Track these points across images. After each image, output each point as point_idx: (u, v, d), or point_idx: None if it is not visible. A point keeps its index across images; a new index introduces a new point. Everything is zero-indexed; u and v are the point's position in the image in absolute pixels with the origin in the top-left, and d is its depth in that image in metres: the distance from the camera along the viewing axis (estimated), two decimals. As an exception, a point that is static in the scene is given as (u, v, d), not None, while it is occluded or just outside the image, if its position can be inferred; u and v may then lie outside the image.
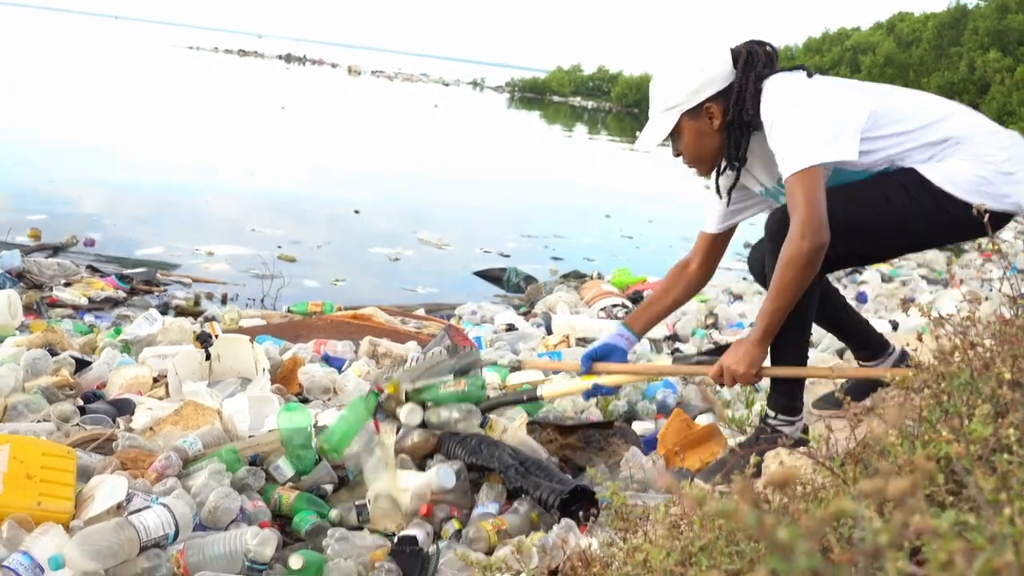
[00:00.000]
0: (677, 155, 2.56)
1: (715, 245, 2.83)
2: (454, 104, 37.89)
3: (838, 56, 54.53)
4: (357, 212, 9.06)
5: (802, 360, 2.54)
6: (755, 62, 2.45)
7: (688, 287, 2.84)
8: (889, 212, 2.37)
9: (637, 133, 2.64)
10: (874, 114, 2.34)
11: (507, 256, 7.92)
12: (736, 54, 2.47)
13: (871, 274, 8.09)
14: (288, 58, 67.03)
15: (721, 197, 2.68)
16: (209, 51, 64.90)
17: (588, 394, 2.80)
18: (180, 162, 11.52)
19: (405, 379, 2.83)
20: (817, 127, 2.32)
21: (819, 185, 2.30)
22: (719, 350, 2.65)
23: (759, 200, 2.70)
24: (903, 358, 2.73)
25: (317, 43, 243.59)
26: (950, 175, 2.36)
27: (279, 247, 7.22)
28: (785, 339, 2.45)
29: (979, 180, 2.38)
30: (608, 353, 2.77)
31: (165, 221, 7.93)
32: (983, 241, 9.45)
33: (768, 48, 2.49)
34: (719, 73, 2.45)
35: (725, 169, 2.59)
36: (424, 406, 2.79)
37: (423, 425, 2.76)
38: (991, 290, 7.58)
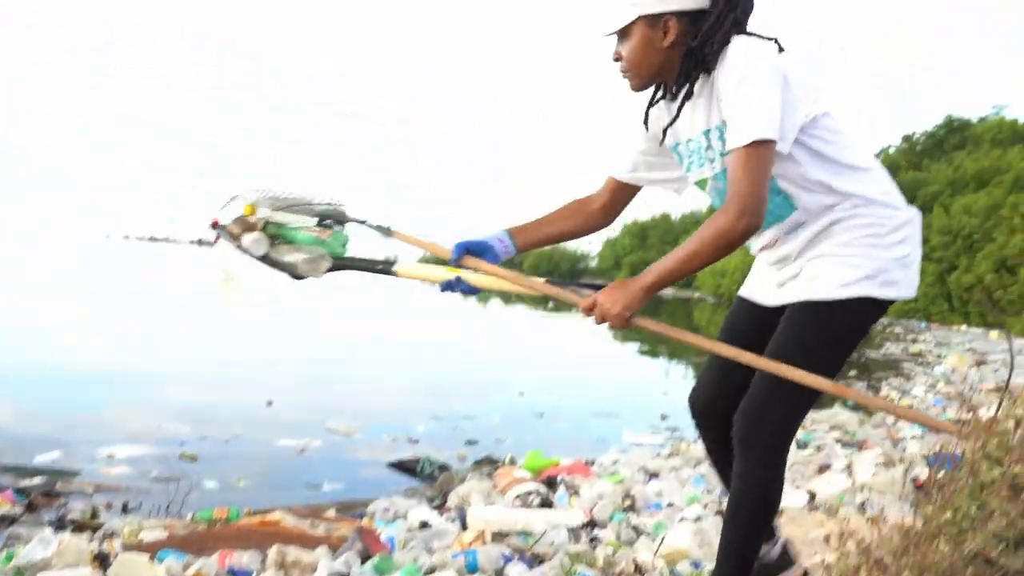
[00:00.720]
0: (616, 59, 2.42)
1: (620, 195, 2.75)
2: (363, 286, 37.97)
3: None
4: (270, 404, 8.91)
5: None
6: (736, 5, 2.33)
7: (586, 224, 2.75)
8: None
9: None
10: (829, 118, 2.34)
11: (416, 442, 7.82)
12: None
13: (787, 443, 8.11)
14: (200, 242, 66.92)
15: (647, 129, 2.56)
16: (119, 239, 64.58)
17: (447, 285, 2.55)
18: (83, 356, 11.31)
19: (265, 204, 2.61)
20: (784, 103, 2.24)
21: (770, 164, 2.23)
22: (597, 286, 2.44)
23: (671, 172, 2.63)
24: (783, 555, 2.67)
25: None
26: (847, 270, 2.36)
27: (182, 444, 7.04)
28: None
29: (876, 270, 2.36)
30: (483, 251, 2.59)
31: (65, 421, 7.70)
32: (895, 398, 9.55)
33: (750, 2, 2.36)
34: None
35: (662, 97, 2.48)
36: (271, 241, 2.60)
37: (263, 259, 2.60)
38: (904, 451, 7.67)
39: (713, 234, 2.23)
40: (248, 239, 2.56)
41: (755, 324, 2.60)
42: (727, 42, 2.29)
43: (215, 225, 2.60)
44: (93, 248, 50.42)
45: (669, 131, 2.50)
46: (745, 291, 2.69)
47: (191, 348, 13.14)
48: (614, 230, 62.25)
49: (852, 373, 14.59)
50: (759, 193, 2.22)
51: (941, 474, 2.38)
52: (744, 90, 2.23)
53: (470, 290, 2.57)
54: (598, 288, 2.41)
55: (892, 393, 12.02)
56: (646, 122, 2.54)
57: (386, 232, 2.73)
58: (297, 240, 2.60)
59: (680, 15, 2.32)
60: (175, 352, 12.39)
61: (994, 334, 27.50)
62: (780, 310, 2.49)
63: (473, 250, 2.57)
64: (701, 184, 2.52)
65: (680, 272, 2.31)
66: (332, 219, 2.67)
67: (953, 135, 48.70)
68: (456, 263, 2.55)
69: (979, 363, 16.46)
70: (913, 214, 2.47)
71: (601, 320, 2.35)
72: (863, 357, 17.84)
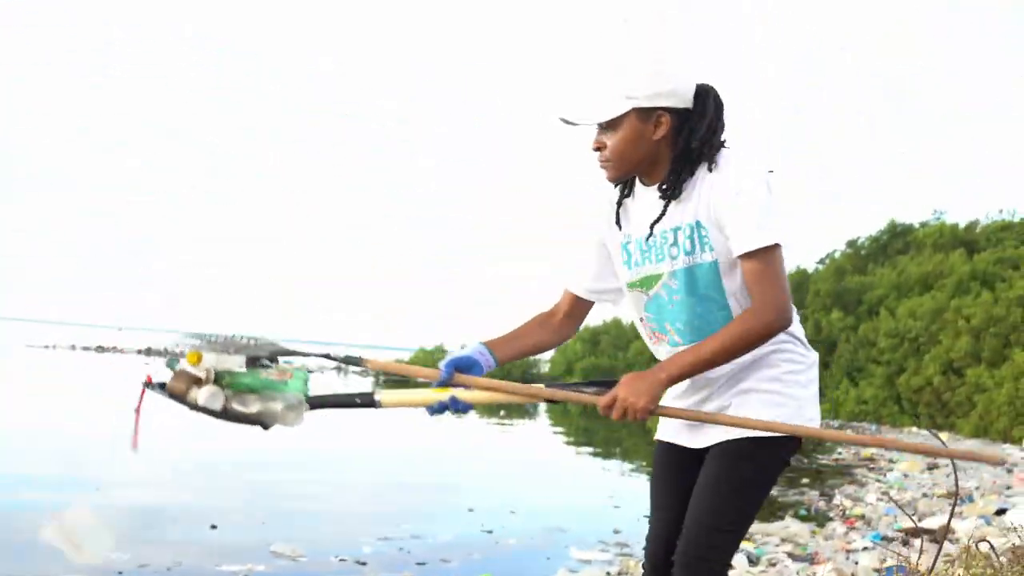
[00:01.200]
0: (597, 148, 2.43)
1: (579, 309, 2.79)
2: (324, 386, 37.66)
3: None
4: (214, 527, 8.67)
5: None
6: (721, 112, 2.42)
7: (553, 336, 2.76)
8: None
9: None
10: None
11: (364, 564, 7.61)
12: (703, 90, 2.41)
13: (738, 558, 8.03)
14: (149, 352, 65.91)
15: (620, 228, 2.59)
16: (65, 348, 63.54)
17: (438, 407, 2.47)
18: (11, 478, 10.99)
19: (209, 350, 2.35)
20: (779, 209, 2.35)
21: (784, 266, 2.38)
22: (607, 383, 2.42)
23: (615, 280, 2.67)
24: None
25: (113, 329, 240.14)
26: (774, 408, 2.44)
27: (120, 573, 6.80)
28: None
29: (798, 408, 2.48)
30: (470, 366, 2.52)
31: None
32: (847, 506, 9.53)
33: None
34: (685, 91, 2.38)
35: (628, 195, 2.55)
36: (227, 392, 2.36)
37: (223, 414, 2.36)
38: (856, 563, 7.62)
39: (744, 332, 2.31)
40: (202, 394, 2.34)
41: (686, 466, 2.64)
42: (722, 146, 2.39)
43: (151, 384, 2.40)
44: (35, 354, 49.63)
45: (623, 226, 2.58)
46: (666, 436, 2.72)
47: (132, 460, 12.79)
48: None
49: (805, 481, 14.55)
50: (788, 295, 2.38)
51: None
52: (756, 195, 2.32)
53: (465, 408, 2.51)
54: (603, 384, 2.41)
55: (845, 502, 11.98)
56: (618, 222, 2.58)
57: (356, 362, 2.64)
58: (259, 386, 2.39)
59: (672, 111, 2.38)
60: (116, 465, 12.03)
61: (943, 436, 27.70)
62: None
63: (461, 367, 2.52)
64: (645, 283, 2.55)
65: (704, 366, 2.37)
66: (288, 356, 2.53)
67: (896, 239, 49.59)
68: (447, 383, 2.48)
69: (931, 467, 16.53)
70: (815, 356, 2.63)
71: (623, 415, 2.35)
72: (814, 464, 17.83)
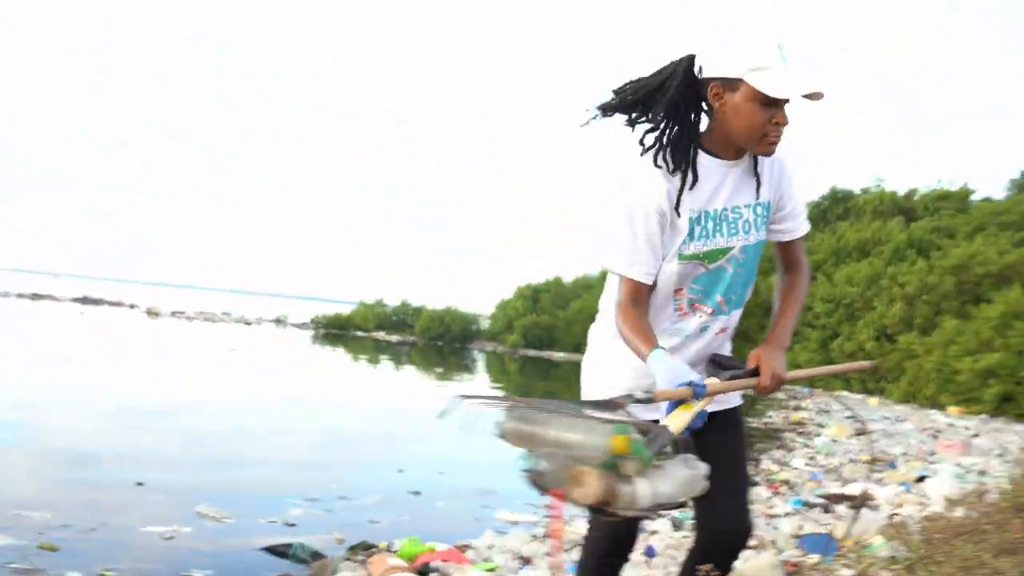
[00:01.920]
0: (785, 123, 2.51)
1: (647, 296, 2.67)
2: (253, 345, 37.46)
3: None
4: (140, 484, 8.60)
5: None
6: None
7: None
8: None
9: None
10: None
11: (293, 525, 7.61)
12: None
13: (662, 523, 8.11)
14: (85, 300, 65.12)
15: (679, 215, 2.60)
16: (-1, 296, 62.41)
17: (693, 424, 2.32)
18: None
19: (645, 440, 2.07)
20: None
21: None
22: (750, 372, 2.57)
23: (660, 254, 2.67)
24: None
25: (117, 281, 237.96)
26: None
27: (41, 534, 6.72)
28: None
29: None
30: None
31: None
32: (773, 471, 9.69)
33: None
34: None
35: (695, 170, 2.61)
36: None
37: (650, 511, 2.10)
38: (775, 529, 7.75)
39: (807, 284, 2.91)
40: (641, 492, 2.02)
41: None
42: None
43: (599, 509, 2.03)
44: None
45: (692, 201, 2.61)
46: None
47: (57, 420, 12.64)
48: (507, 293, 62.50)
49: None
50: None
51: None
52: (800, 181, 2.73)
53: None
54: (752, 372, 2.58)
55: (771, 467, 12.16)
56: (678, 208, 2.59)
57: (649, 400, 2.37)
58: (646, 458, 2.07)
59: None
60: (35, 426, 11.87)
61: (873, 401, 28.21)
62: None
63: (695, 381, 2.40)
64: (710, 255, 2.65)
65: (795, 328, 2.86)
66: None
67: (837, 205, 50.08)
68: (700, 396, 2.37)
69: (859, 432, 16.79)
70: None
71: (777, 386, 2.57)
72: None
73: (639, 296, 2.58)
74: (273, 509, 8.01)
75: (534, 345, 56.91)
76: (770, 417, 20.19)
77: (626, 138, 2.65)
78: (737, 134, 2.53)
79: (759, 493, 10.09)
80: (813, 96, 2.42)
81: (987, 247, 34.07)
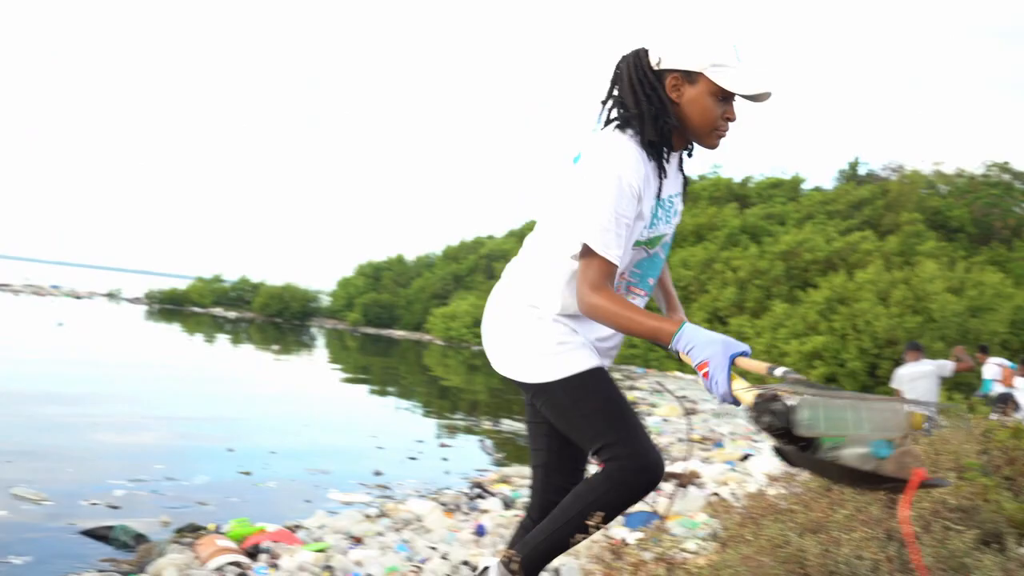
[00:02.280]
0: (735, 119, 2.63)
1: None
2: (83, 320, 36.11)
3: (473, 263, 57.05)
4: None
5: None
6: None
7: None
8: None
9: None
10: None
11: (116, 508, 7.37)
12: None
13: (493, 502, 8.19)
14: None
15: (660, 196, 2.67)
16: None
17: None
18: None
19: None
20: None
21: None
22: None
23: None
24: None
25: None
26: None
27: None
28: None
29: None
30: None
31: None
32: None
33: None
34: None
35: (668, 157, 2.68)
36: None
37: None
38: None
39: None
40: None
41: None
42: None
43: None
44: None
45: (660, 187, 2.67)
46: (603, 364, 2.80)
47: None
48: (348, 270, 61.93)
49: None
50: None
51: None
52: None
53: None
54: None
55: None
56: (659, 194, 2.67)
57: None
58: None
59: None
60: None
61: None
62: None
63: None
64: (652, 241, 2.74)
65: None
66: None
67: (675, 190, 51.21)
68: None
69: (690, 412, 17.23)
70: None
71: None
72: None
73: (611, 278, 2.55)
74: (96, 491, 7.74)
75: (374, 323, 56.56)
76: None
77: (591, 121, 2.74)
78: (691, 126, 2.62)
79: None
80: (761, 97, 2.54)
81: (815, 234, 35.50)
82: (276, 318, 56.77)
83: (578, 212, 2.52)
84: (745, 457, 10.86)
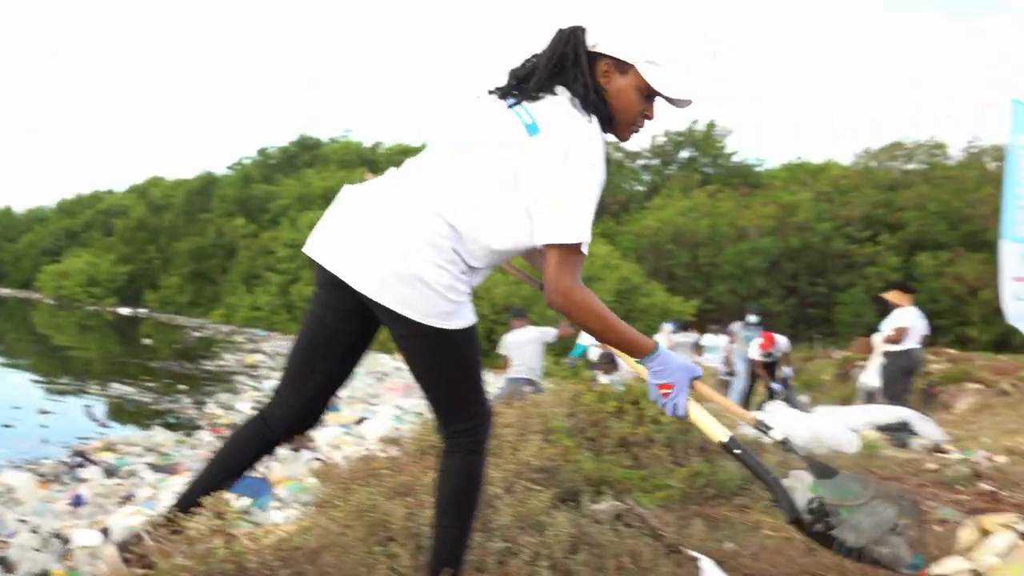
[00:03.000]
0: (653, 119, 2.55)
1: None
2: None
3: (91, 219, 54.20)
4: None
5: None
6: None
7: None
8: None
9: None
10: None
11: None
12: None
13: (94, 470, 7.78)
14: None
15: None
16: None
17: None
18: None
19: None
20: None
21: None
22: None
23: None
24: None
25: None
26: None
27: None
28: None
29: None
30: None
31: None
32: (218, 415, 9.53)
33: None
34: None
35: None
36: None
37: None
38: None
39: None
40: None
41: None
42: None
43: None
44: None
45: None
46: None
47: None
48: None
49: (181, 387, 14.54)
50: None
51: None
52: None
53: None
54: None
55: (217, 410, 12.12)
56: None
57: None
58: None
59: None
60: None
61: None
62: None
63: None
64: None
65: None
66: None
67: (305, 152, 50.99)
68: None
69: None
70: None
71: None
72: (196, 370, 17.89)
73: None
74: None
75: (-26, 279, 52.33)
76: (224, 360, 20.12)
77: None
78: (611, 114, 2.52)
79: (202, 438, 9.98)
80: (683, 104, 2.51)
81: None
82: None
83: (561, 202, 2.37)
84: (360, 420, 10.96)
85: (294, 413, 2.65)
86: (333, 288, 2.49)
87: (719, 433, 2.51)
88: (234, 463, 2.68)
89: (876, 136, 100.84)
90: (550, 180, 2.37)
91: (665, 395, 2.49)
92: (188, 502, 2.56)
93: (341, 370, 2.69)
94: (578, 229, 2.36)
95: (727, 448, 2.51)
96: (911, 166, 39.28)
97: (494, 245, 2.45)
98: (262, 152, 53.84)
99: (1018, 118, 9.95)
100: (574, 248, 2.37)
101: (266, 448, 2.69)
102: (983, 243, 29.61)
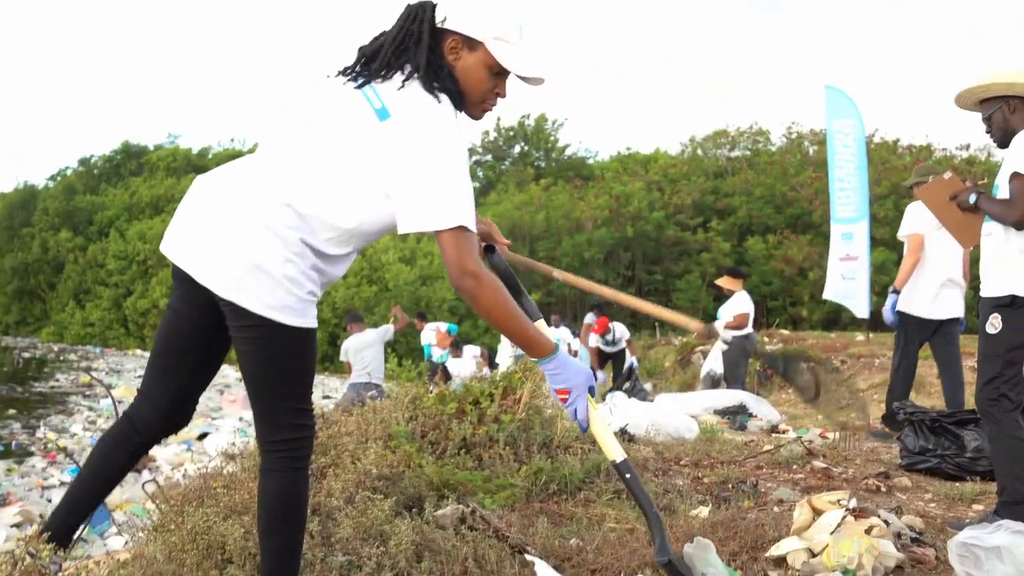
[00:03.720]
0: (504, 96, 2.53)
1: None
2: None
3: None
4: None
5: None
6: None
7: None
8: None
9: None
10: None
11: None
12: None
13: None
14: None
15: None
16: None
17: None
18: None
19: None
20: None
21: None
22: None
23: None
24: None
25: None
26: None
27: None
28: None
29: None
30: None
31: None
32: (51, 439, 9.12)
33: None
34: None
35: None
36: None
37: None
38: (49, 501, 7.41)
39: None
40: None
41: None
42: None
43: None
44: None
45: None
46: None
47: None
48: None
49: (11, 412, 13.90)
50: None
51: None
52: None
53: None
54: None
55: (50, 435, 11.62)
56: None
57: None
58: None
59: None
60: None
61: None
62: None
63: None
64: None
65: None
66: None
67: (130, 160, 49.53)
68: None
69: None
70: None
71: None
72: (27, 392, 17.16)
73: None
74: None
75: None
76: (58, 380, 19.37)
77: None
78: (461, 92, 2.45)
79: (34, 464, 9.59)
80: (535, 81, 2.47)
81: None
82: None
83: (430, 189, 2.31)
84: (202, 436, 10.69)
85: (161, 412, 2.56)
86: (187, 283, 2.38)
87: (615, 451, 2.51)
88: (106, 473, 2.57)
89: (701, 124, 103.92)
90: (411, 168, 2.32)
91: (563, 400, 2.45)
92: (61, 523, 2.48)
93: (205, 366, 2.59)
94: (457, 211, 2.32)
95: (618, 470, 2.51)
96: (736, 153, 40.73)
97: (342, 224, 2.36)
98: (84, 162, 52.08)
99: (832, 103, 10.40)
100: (461, 230, 2.33)
101: (137, 452, 2.59)
102: (808, 225, 30.95)
